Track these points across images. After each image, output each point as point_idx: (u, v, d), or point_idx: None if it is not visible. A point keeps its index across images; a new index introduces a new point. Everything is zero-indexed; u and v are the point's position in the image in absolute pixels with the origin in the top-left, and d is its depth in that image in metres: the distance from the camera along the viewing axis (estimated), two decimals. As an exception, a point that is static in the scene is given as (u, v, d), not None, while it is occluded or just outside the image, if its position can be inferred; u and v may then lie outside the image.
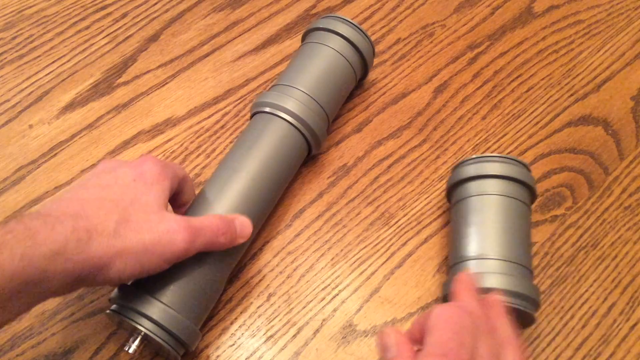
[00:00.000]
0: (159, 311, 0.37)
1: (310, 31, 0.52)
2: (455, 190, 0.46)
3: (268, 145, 0.45)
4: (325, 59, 0.49)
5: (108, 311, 0.39)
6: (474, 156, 0.45)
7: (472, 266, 0.41)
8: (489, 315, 0.34)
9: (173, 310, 0.38)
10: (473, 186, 0.44)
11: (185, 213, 0.43)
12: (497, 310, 0.35)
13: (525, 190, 0.44)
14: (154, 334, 0.37)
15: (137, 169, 0.38)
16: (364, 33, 0.51)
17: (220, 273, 0.42)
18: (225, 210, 0.42)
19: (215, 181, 0.44)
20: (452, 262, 0.43)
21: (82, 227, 0.33)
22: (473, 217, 0.43)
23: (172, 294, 0.38)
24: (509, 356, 0.32)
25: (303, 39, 0.53)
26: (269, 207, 0.46)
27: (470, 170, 0.44)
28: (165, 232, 0.35)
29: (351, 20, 0.50)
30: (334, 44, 0.49)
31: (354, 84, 0.53)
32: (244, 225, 0.41)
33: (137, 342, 0.38)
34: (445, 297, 0.42)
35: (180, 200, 0.43)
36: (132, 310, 0.38)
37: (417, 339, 0.34)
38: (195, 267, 0.39)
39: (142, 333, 0.38)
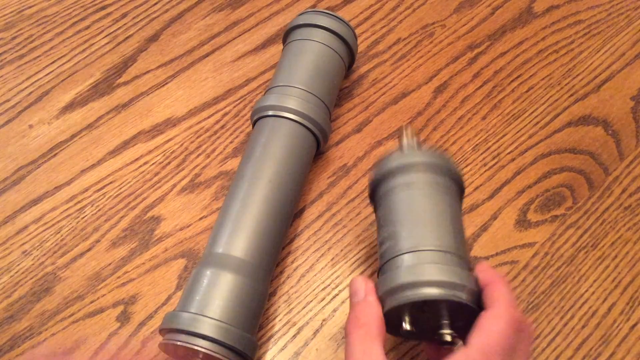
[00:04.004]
0: (211, 327, 0.36)
1: (289, 32, 0.52)
2: (379, 187, 0.40)
3: (281, 150, 0.45)
4: (311, 53, 0.49)
5: (160, 342, 0.38)
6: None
7: (407, 259, 0.35)
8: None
9: (226, 324, 0.37)
10: (399, 179, 0.38)
11: (213, 230, 0.42)
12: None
13: (453, 182, 0.39)
14: (213, 352, 0.36)
15: None
16: (342, 20, 0.51)
17: (263, 275, 0.41)
18: (255, 224, 0.42)
19: (236, 195, 0.43)
20: (385, 258, 0.37)
21: None
22: (403, 207, 0.38)
23: (220, 308, 0.38)
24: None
25: (284, 41, 0.53)
26: (293, 211, 0.46)
27: (394, 163, 0.39)
28: None
29: (326, 11, 0.51)
30: (316, 36, 0.50)
31: (344, 70, 0.53)
32: None
33: None
34: (381, 297, 0.35)
35: None
36: (184, 333, 0.37)
37: None
38: (237, 277, 0.39)
39: (200, 354, 0.37)
